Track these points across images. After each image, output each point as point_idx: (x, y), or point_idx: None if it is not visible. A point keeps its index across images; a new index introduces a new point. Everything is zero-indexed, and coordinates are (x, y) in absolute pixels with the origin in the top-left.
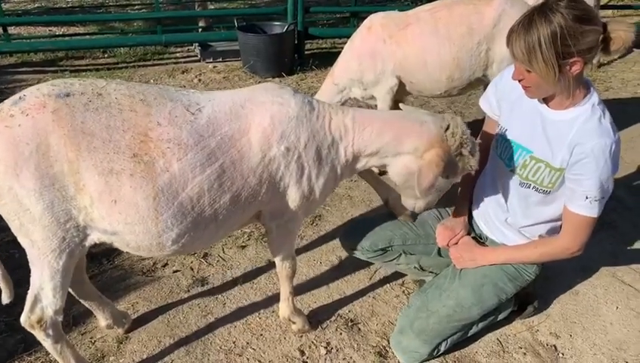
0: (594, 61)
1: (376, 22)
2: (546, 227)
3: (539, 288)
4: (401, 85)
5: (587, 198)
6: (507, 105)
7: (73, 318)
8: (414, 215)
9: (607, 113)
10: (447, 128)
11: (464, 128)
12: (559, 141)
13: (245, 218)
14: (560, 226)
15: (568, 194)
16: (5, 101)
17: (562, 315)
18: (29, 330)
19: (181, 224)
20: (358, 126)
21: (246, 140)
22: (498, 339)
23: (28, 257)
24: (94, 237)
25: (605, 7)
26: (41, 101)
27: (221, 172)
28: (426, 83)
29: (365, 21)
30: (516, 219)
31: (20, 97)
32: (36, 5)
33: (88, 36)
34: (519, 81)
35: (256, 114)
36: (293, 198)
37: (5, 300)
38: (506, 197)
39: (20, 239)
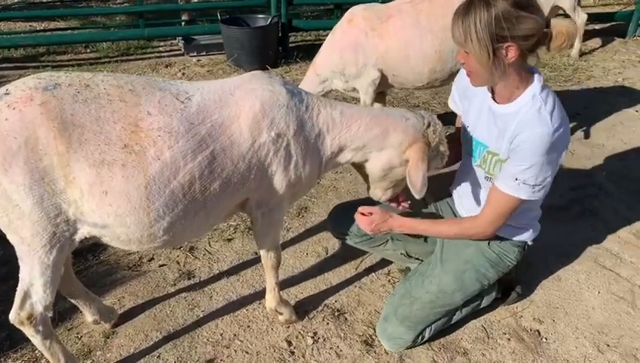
0: (575, 52)
1: (357, 14)
2: None
3: (521, 274)
4: (383, 77)
5: (516, 179)
6: (466, 102)
7: (58, 313)
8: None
9: (550, 102)
10: (428, 126)
11: (441, 126)
12: (504, 134)
13: (232, 205)
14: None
15: (499, 174)
16: None
17: (545, 301)
18: (18, 326)
19: (173, 212)
20: (346, 121)
21: (237, 126)
22: (482, 325)
23: (17, 254)
24: (84, 232)
25: None
26: (27, 94)
27: (212, 159)
28: (408, 76)
29: (347, 13)
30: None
31: (5, 92)
32: (17, 0)
33: (69, 31)
34: (462, 65)
35: (247, 100)
36: (279, 186)
37: None
38: (477, 191)
39: (8, 236)
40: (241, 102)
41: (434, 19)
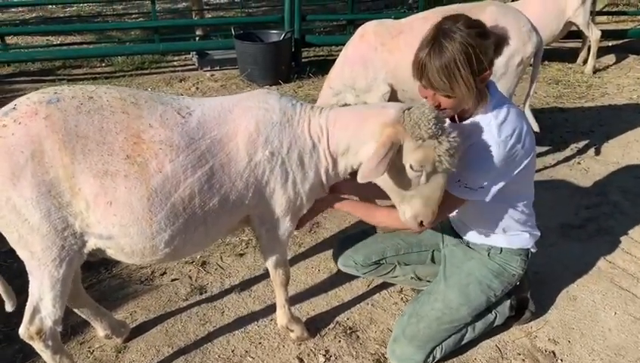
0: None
1: (369, 30)
2: (492, 225)
3: (535, 293)
4: (393, 92)
5: (459, 181)
6: None
7: (71, 327)
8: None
9: (503, 114)
10: (408, 110)
11: (434, 115)
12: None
13: (233, 222)
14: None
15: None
16: None
17: (560, 321)
18: (27, 341)
19: (174, 225)
20: (331, 125)
21: (234, 144)
22: (496, 345)
23: (27, 268)
24: (91, 244)
25: (600, 13)
26: (32, 109)
27: (211, 175)
28: (418, 90)
29: (359, 29)
30: (466, 219)
31: (11, 107)
32: (34, 15)
33: (85, 45)
34: (436, 107)
35: (243, 119)
36: (279, 203)
37: (9, 309)
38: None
39: (18, 251)
40: (238, 120)
41: None
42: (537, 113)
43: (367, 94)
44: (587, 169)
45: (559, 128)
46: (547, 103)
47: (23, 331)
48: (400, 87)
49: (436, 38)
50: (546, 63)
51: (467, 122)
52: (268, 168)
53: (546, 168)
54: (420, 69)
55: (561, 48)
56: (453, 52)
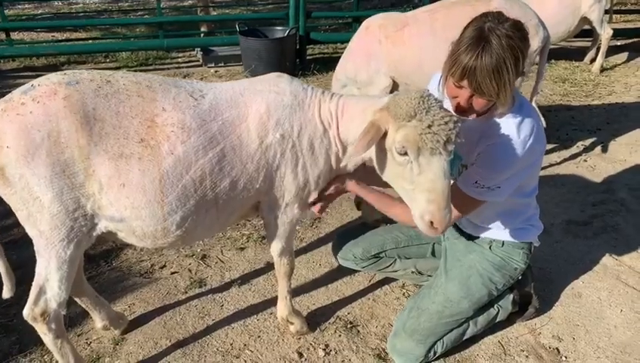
0: (596, 67)
1: (374, 22)
2: (493, 218)
3: (540, 290)
4: (395, 85)
5: (476, 182)
6: None
7: (69, 318)
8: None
9: (521, 113)
10: (395, 96)
11: (419, 96)
12: (475, 144)
13: (244, 207)
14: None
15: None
16: (14, 91)
17: (565, 318)
18: (31, 323)
19: (185, 206)
20: (340, 113)
21: (245, 126)
22: (499, 341)
23: (35, 248)
24: (101, 226)
25: (617, 12)
26: (52, 89)
27: (222, 156)
28: (421, 84)
29: (365, 22)
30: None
31: (30, 86)
32: (40, 11)
33: (90, 41)
34: (465, 108)
35: (254, 102)
36: (289, 189)
37: (7, 295)
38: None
39: (27, 229)
40: (249, 103)
41: (450, 28)
42: (543, 110)
43: (368, 87)
44: (593, 166)
45: (565, 126)
46: (553, 101)
47: (27, 312)
48: (403, 80)
49: (483, 37)
50: (553, 61)
51: (485, 120)
52: (279, 151)
53: (552, 165)
54: (465, 71)
55: (568, 47)
56: (504, 55)
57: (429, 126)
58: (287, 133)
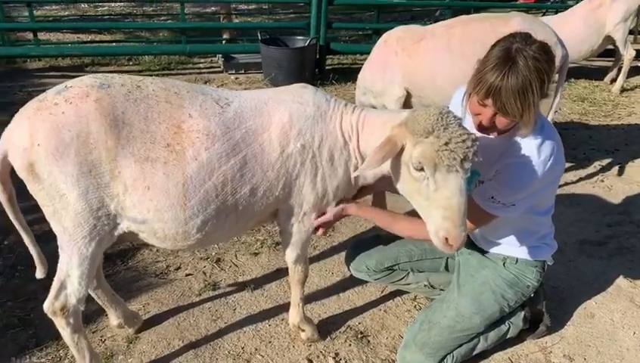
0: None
1: (393, 35)
2: (508, 235)
3: (553, 309)
4: (408, 97)
5: (492, 197)
6: None
7: (85, 315)
8: None
9: (542, 134)
10: (413, 113)
11: (438, 112)
12: (494, 161)
13: (263, 214)
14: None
15: (474, 191)
16: (48, 91)
17: (577, 338)
18: (50, 316)
19: (206, 211)
20: (361, 126)
21: (268, 135)
22: (509, 358)
23: (58, 243)
24: (123, 227)
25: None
26: (84, 91)
27: (243, 163)
28: (434, 97)
29: (385, 34)
30: (484, 228)
31: (64, 87)
32: (67, 13)
33: (114, 44)
34: (487, 127)
35: (277, 111)
36: (307, 198)
37: (40, 275)
38: None
39: (52, 225)
40: (273, 112)
41: (466, 44)
42: (561, 129)
43: (383, 96)
44: (610, 187)
45: (583, 145)
46: (571, 119)
47: (47, 306)
48: (417, 92)
49: (510, 58)
50: (572, 80)
51: (506, 139)
52: (300, 160)
53: (568, 184)
54: (490, 90)
55: (588, 66)
56: (530, 77)
57: (446, 143)
58: (308, 143)
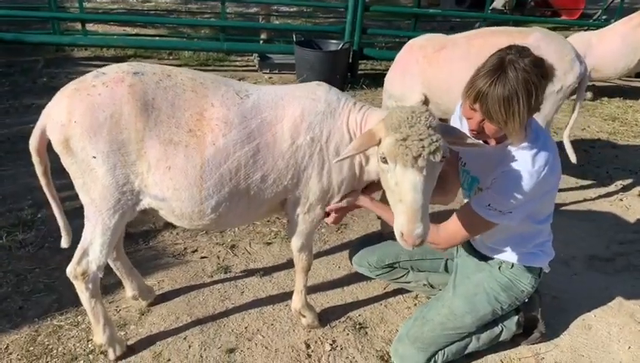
0: None
1: (417, 42)
2: (505, 241)
3: (551, 318)
4: (427, 103)
5: (489, 205)
6: None
7: (104, 287)
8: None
9: (537, 145)
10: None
11: (411, 111)
12: (493, 169)
13: (273, 202)
14: (517, 235)
15: (473, 197)
16: (87, 74)
17: (571, 347)
18: (72, 280)
19: (220, 192)
20: (364, 123)
21: (280, 127)
22: (501, 360)
23: (85, 213)
24: (145, 203)
25: None
26: (120, 76)
27: (256, 151)
28: (450, 106)
29: (410, 41)
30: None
31: (102, 72)
32: (115, 7)
33: (157, 38)
34: (476, 130)
35: (291, 105)
36: (314, 190)
37: (64, 244)
38: None
39: (81, 196)
40: (287, 106)
41: (484, 55)
42: (587, 146)
43: (402, 101)
44: (628, 206)
45: (607, 164)
46: (599, 138)
47: (70, 270)
48: (434, 99)
49: (501, 67)
50: (605, 99)
51: (503, 148)
52: (308, 153)
53: (586, 200)
54: (478, 95)
55: (623, 86)
56: (517, 88)
57: (404, 139)
58: (317, 137)
